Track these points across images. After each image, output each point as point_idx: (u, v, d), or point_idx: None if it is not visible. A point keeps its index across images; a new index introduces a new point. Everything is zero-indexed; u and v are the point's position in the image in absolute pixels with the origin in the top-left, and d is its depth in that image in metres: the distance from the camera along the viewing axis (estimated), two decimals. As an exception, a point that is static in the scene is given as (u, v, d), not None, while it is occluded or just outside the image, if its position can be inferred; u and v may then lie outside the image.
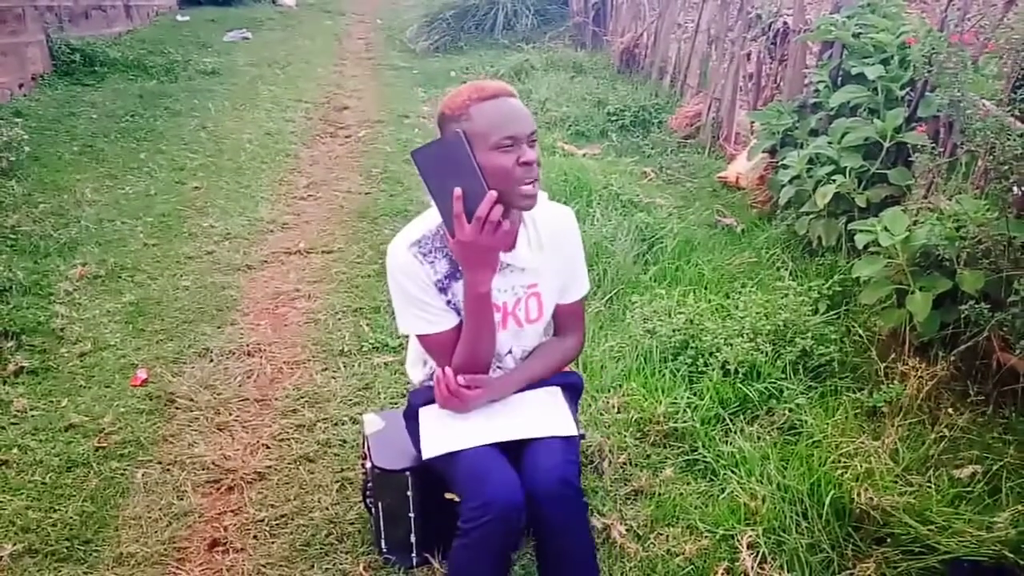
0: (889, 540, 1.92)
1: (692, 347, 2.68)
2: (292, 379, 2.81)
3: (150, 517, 2.15)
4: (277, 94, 6.90)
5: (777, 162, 3.84)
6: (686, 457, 2.33)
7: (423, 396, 1.80)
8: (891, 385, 2.41)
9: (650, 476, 2.25)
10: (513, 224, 1.62)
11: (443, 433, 1.68)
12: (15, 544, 2.04)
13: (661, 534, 2.05)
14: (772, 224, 3.74)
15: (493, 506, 1.50)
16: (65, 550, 2.03)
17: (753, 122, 4.50)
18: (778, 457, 2.21)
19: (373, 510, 2.01)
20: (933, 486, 2.04)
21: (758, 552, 1.95)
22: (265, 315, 3.27)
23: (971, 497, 2.00)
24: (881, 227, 2.49)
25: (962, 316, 2.27)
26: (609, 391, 2.59)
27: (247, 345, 3.01)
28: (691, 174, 4.74)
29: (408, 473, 1.89)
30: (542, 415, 1.72)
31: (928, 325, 2.41)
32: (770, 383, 2.53)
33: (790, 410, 2.43)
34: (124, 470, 2.33)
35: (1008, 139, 2.27)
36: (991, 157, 2.39)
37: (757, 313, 2.76)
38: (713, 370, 2.57)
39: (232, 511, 2.19)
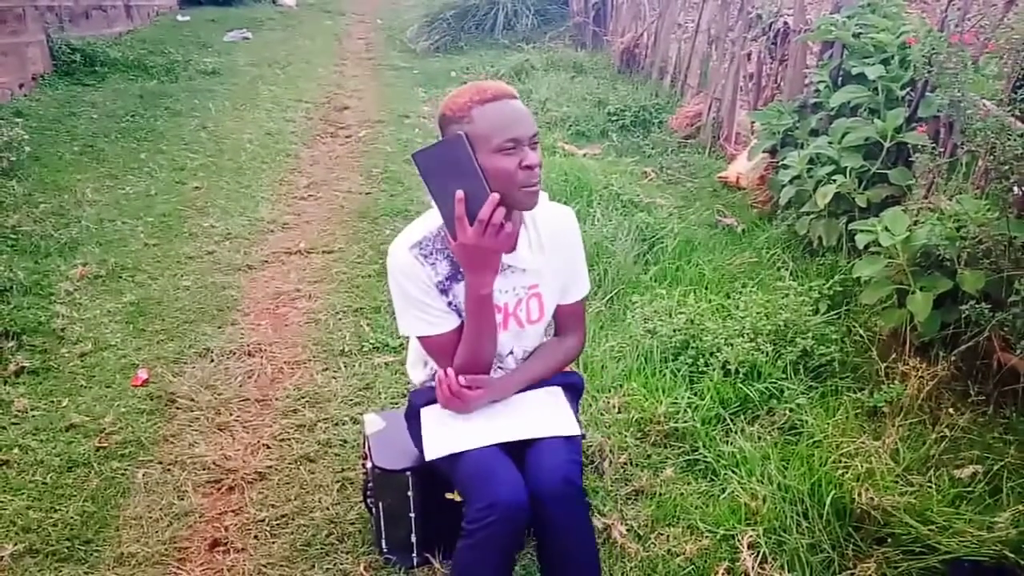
0: (890, 540, 1.92)
1: (693, 347, 2.68)
2: (293, 379, 2.81)
3: (151, 517, 2.16)
4: (277, 94, 6.90)
5: (777, 162, 3.85)
6: (687, 457, 2.33)
7: (424, 396, 1.80)
8: (892, 385, 2.41)
9: (651, 476, 2.25)
10: (514, 225, 1.62)
11: (446, 434, 1.68)
12: (16, 544, 2.04)
13: (662, 534, 2.05)
14: (773, 224, 3.74)
15: (498, 507, 1.50)
16: (66, 550, 2.04)
17: (753, 122, 4.50)
18: (779, 457, 2.21)
19: (374, 510, 2.01)
20: (934, 486, 2.04)
21: (759, 552, 1.95)
22: (266, 315, 3.27)
23: (972, 497, 2.00)
24: (882, 227, 2.50)
25: (963, 316, 2.27)
26: (610, 391, 2.59)
27: (248, 345, 3.01)
28: (691, 174, 4.74)
29: (409, 473, 1.90)
30: (544, 415, 1.72)
31: (929, 325, 2.41)
32: (771, 383, 2.53)
33: (791, 410, 2.43)
34: (125, 470, 2.33)
35: (1008, 139, 2.27)
36: (991, 157, 2.40)
37: (758, 313, 2.76)
38: (714, 370, 2.57)
39: (233, 511, 2.19)
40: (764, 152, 4.05)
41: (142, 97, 6.34)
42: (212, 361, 2.91)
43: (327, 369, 2.87)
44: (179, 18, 10.03)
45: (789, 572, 1.91)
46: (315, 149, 5.58)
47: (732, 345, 2.60)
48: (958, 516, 1.91)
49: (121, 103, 6.12)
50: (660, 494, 2.18)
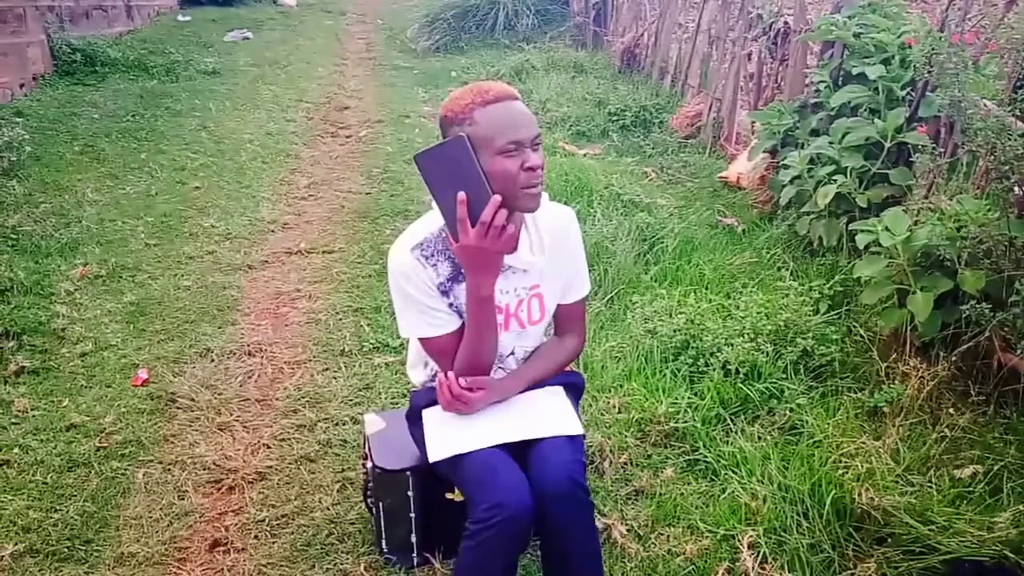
0: (890, 540, 1.92)
1: (693, 347, 2.68)
2: (293, 379, 2.81)
3: (151, 517, 2.16)
4: (278, 94, 6.90)
5: (778, 162, 3.84)
6: (687, 457, 2.33)
7: (425, 397, 1.80)
8: (892, 385, 2.41)
9: (651, 476, 2.25)
10: (515, 226, 1.62)
11: (449, 435, 1.68)
12: (16, 544, 2.04)
13: (662, 534, 2.05)
14: (773, 224, 3.74)
15: (504, 508, 1.50)
16: (66, 550, 2.04)
17: (754, 122, 4.50)
18: (779, 457, 2.21)
19: (374, 510, 2.01)
20: (934, 486, 2.04)
21: (759, 552, 1.95)
22: (266, 315, 3.27)
23: (972, 497, 2.00)
24: (882, 227, 2.49)
25: (963, 316, 2.27)
26: (610, 391, 2.59)
27: (248, 345, 3.01)
28: (692, 174, 4.74)
29: (409, 473, 1.90)
30: (547, 414, 1.72)
31: (929, 325, 2.41)
32: (771, 383, 2.53)
33: (791, 410, 2.43)
34: (125, 470, 2.33)
35: (1009, 139, 2.27)
36: (992, 157, 2.40)
37: (758, 313, 2.76)
38: (714, 370, 2.57)
39: (233, 511, 2.19)
40: (764, 152, 4.05)
41: (143, 97, 6.34)
42: (212, 361, 2.91)
43: (327, 369, 2.87)
44: (180, 18, 10.03)
45: (789, 572, 1.91)
46: (315, 149, 5.58)
47: (732, 345, 2.60)
48: (958, 516, 1.91)
49: (122, 103, 6.12)
50: (660, 494, 2.18)
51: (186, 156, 5.14)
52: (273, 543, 2.07)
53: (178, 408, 2.63)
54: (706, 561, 1.96)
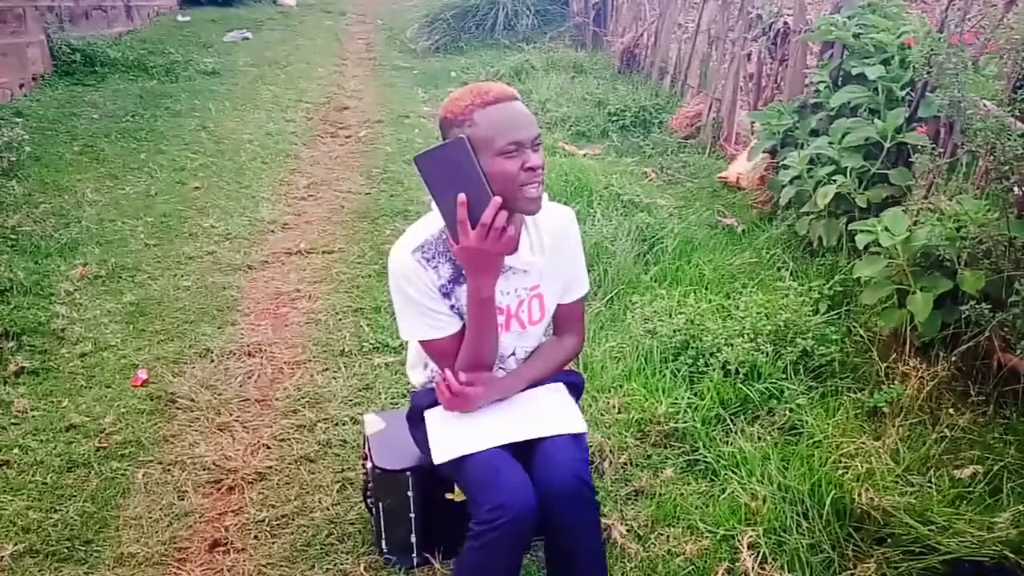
0: (890, 540, 1.92)
1: (693, 347, 2.68)
2: (293, 379, 2.81)
3: (151, 517, 2.16)
4: (278, 94, 6.90)
5: (778, 162, 3.84)
6: (687, 457, 2.33)
7: (426, 398, 1.80)
8: (892, 385, 2.41)
9: (651, 476, 2.25)
10: (516, 227, 1.62)
11: (453, 436, 1.67)
12: (16, 544, 2.04)
13: (662, 534, 2.05)
14: (773, 224, 3.74)
15: (508, 509, 1.49)
16: (66, 550, 2.04)
17: (753, 122, 4.50)
18: (779, 457, 2.21)
19: (374, 510, 2.01)
20: (934, 486, 2.04)
21: (759, 552, 1.95)
22: (266, 315, 3.27)
23: (972, 497, 2.00)
24: (882, 227, 2.49)
25: (963, 316, 2.27)
26: (610, 391, 2.59)
27: (248, 345, 3.01)
28: (692, 174, 4.74)
29: (409, 473, 1.90)
30: (550, 413, 1.72)
31: (929, 325, 2.41)
32: (771, 383, 2.53)
33: (791, 410, 2.43)
34: (125, 470, 2.33)
35: (1008, 139, 2.27)
36: (992, 157, 2.40)
37: (758, 313, 2.76)
38: (714, 370, 2.57)
39: (233, 511, 2.19)
40: (764, 152, 4.05)
41: (142, 97, 6.34)
42: (212, 361, 2.91)
43: (327, 369, 2.87)
44: (179, 18, 10.03)
45: (789, 572, 1.91)
46: (315, 149, 5.58)
47: (732, 345, 2.60)
48: (958, 516, 1.91)
49: (121, 103, 6.12)
50: (660, 494, 2.18)
51: (186, 156, 5.14)
52: (273, 543, 2.07)
53: (178, 408, 2.63)
54: (706, 561, 1.96)
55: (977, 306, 2.21)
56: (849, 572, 1.90)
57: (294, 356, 2.96)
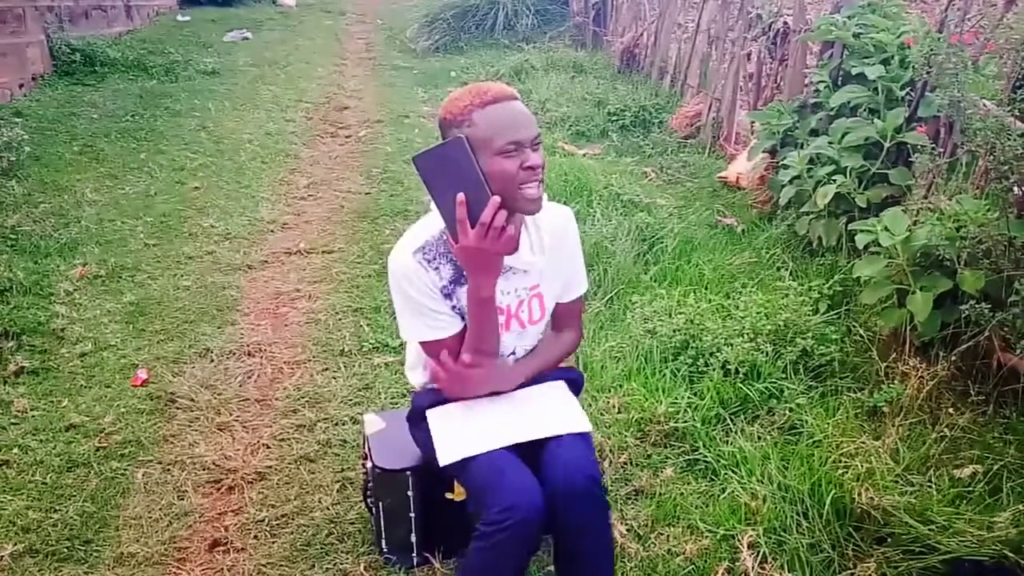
0: (890, 540, 1.92)
1: (692, 347, 2.68)
2: (292, 379, 2.81)
3: (151, 517, 2.16)
4: (277, 94, 6.90)
5: (777, 162, 3.85)
6: (686, 457, 2.33)
7: (428, 399, 1.79)
8: (892, 385, 2.41)
9: (650, 476, 2.25)
10: (516, 227, 1.62)
11: (458, 437, 1.66)
12: (16, 544, 2.04)
13: (662, 534, 2.05)
14: (772, 224, 3.74)
15: (517, 510, 1.49)
16: (65, 550, 2.04)
17: (753, 122, 4.50)
18: (779, 457, 2.21)
19: (374, 510, 2.01)
20: (934, 486, 2.04)
21: (759, 552, 1.95)
22: (265, 315, 3.27)
23: (972, 497, 2.00)
24: (881, 227, 2.49)
25: (963, 316, 2.27)
26: (609, 391, 2.59)
27: (247, 345, 3.01)
28: (691, 174, 4.74)
29: (409, 473, 1.90)
30: (554, 413, 1.71)
31: (929, 325, 2.41)
32: (771, 383, 2.53)
33: (791, 410, 2.43)
34: (125, 470, 2.33)
35: (1008, 139, 2.27)
36: (991, 157, 2.40)
37: (757, 313, 2.76)
38: (713, 370, 2.57)
39: (233, 511, 2.19)
40: (764, 152, 4.05)
41: (142, 97, 6.34)
42: (212, 361, 2.90)
43: (327, 369, 2.87)
44: (179, 18, 10.03)
45: (789, 572, 1.91)
46: (315, 149, 5.58)
47: (732, 345, 2.60)
48: (958, 516, 1.91)
49: (121, 103, 6.12)
50: (660, 494, 2.18)
51: (185, 156, 5.14)
52: (273, 543, 2.07)
53: (177, 408, 2.63)
54: (706, 561, 1.96)
55: (977, 306, 2.21)
56: (849, 572, 1.90)
57: (294, 356, 2.96)
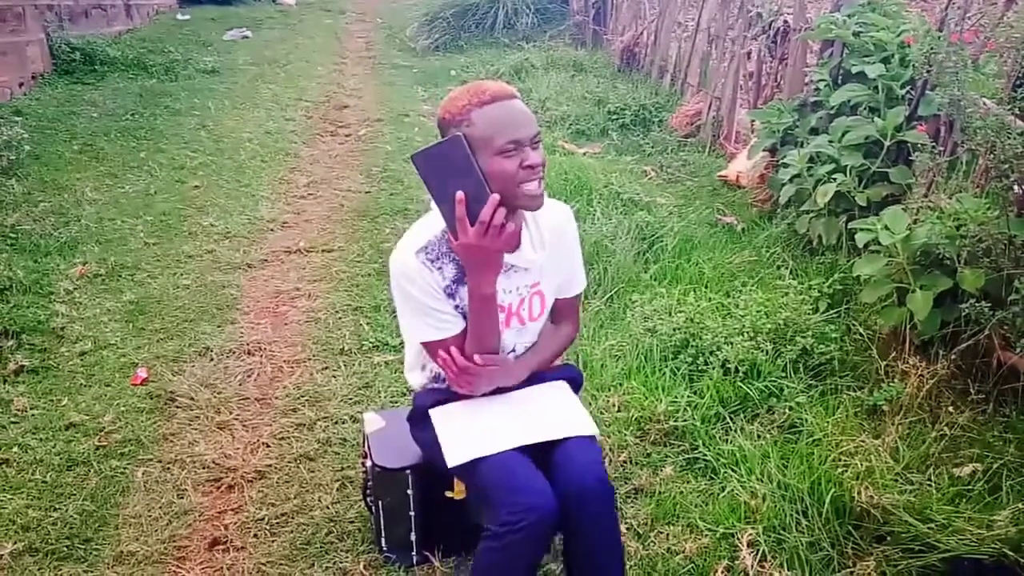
0: (889, 538, 1.92)
1: (692, 346, 2.68)
2: (292, 378, 2.81)
3: (150, 516, 2.16)
4: (277, 93, 6.90)
5: (777, 161, 3.84)
6: (686, 455, 2.33)
7: (429, 398, 1.79)
8: (891, 384, 2.41)
9: (650, 475, 2.25)
10: (516, 225, 1.62)
11: (465, 438, 1.66)
12: (15, 543, 2.04)
13: (661, 532, 2.05)
14: (772, 223, 3.74)
15: (532, 511, 1.50)
16: (65, 549, 2.04)
17: (753, 121, 4.50)
18: (778, 455, 2.21)
19: (373, 509, 2.01)
20: (933, 484, 2.04)
21: (758, 550, 1.95)
22: (265, 314, 3.27)
23: (971, 495, 2.00)
24: (881, 226, 2.49)
25: (963, 315, 2.27)
26: (609, 390, 2.59)
27: (247, 344, 3.01)
28: (691, 173, 4.74)
29: (408, 472, 1.90)
30: (561, 415, 1.72)
31: (928, 324, 2.41)
32: (770, 382, 2.53)
33: (790, 408, 2.43)
34: (124, 469, 2.33)
35: (1008, 138, 2.27)
36: (991, 156, 2.39)
37: (757, 312, 2.76)
38: (713, 368, 2.57)
39: (232, 510, 2.19)
40: (764, 151, 4.05)
41: (142, 96, 6.34)
42: (212, 360, 2.90)
43: (327, 368, 2.87)
44: (179, 17, 10.03)
45: (789, 570, 1.91)
46: (315, 148, 5.58)
47: (732, 344, 2.60)
48: (958, 514, 1.91)
49: (121, 102, 6.12)
50: (660, 492, 2.18)
51: (185, 155, 5.14)
52: (272, 542, 2.07)
53: (177, 407, 2.63)
54: (705, 559, 1.96)
55: (977, 304, 2.21)
56: (848, 570, 1.90)
57: (294, 355, 2.96)
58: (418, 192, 4.44)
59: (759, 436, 2.36)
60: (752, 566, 1.91)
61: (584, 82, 6.56)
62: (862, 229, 2.59)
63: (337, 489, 2.25)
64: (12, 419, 2.54)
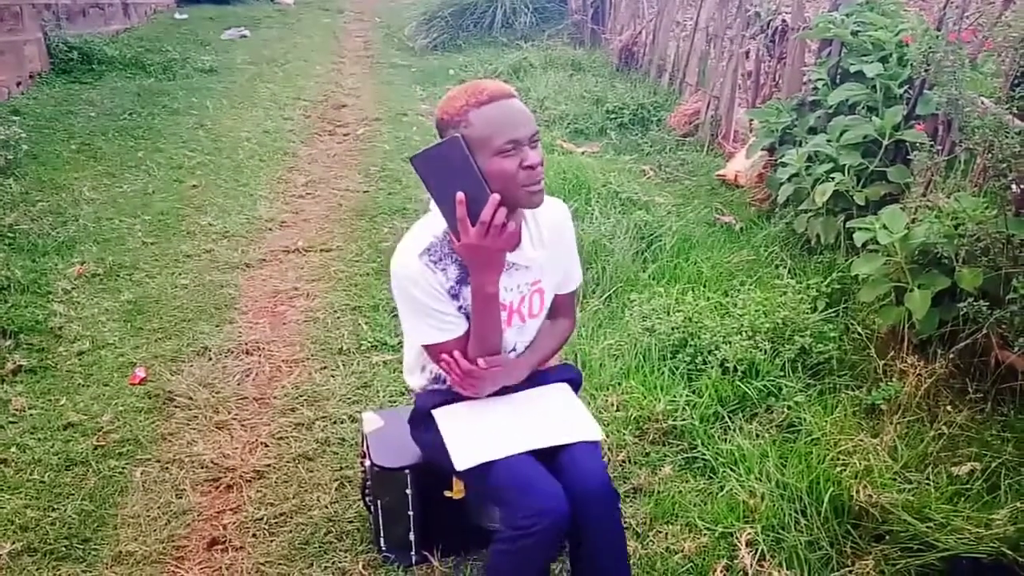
0: (888, 537, 1.92)
1: (691, 345, 2.68)
2: (291, 377, 2.81)
3: (149, 516, 2.15)
4: (275, 92, 6.89)
5: (776, 160, 3.85)
6: (685, 455, 2.33)
7: (431, 399, 1.79)
8: (890, 383, 2.41)
9: (649, 474, 2.25)
10: (516, 223, 1.62)
11: (473, 442, 1.66)
12: (14, 543, 2.03)
13: (660, 532, 2.05)
14: (771, 222, 3.74)
15: (546, 515, 1.50)
16: (64, 549, 2.03)
17: (752, 120, 4.50)
18: (777, 455, 2.21)
19: (372, 508, 2.01)
20: (932, 483, 2.04)
21: (757, 550, 1.96)
22: (264, 313, 3.27)
23: (970, 494, 2.00)
24: (880, 225, 2.50)
25: (961, 314, 2.27)
26: (608, 389, 2.59)
27: (246, 343, 3.00)
28: (690, 172, 4.74)
29: (407, 471, 1.89)
30: (567, 420, 1.72)
31: (927, 323, 2.41)
32: (769, 381, 2.53)
33: (789, 408, 2.43)
34: (123, 469, 2.33)
35: (1006, 137, 2.27)
36: (989, 155, 2.40)
37: (756, 311, 2.76)
38: (712, 368, 2.57)
39: (231, 509, 2.19)
40: (762, 150, 4.05)
41: (140, 95, 6.33)
42: (210, 359, 2.90)
43: (325, 367, 2.86)
44: (177, 16, 10.02)
45: (787, 569, 1.91)
46: (313, 147, 5.57)
47: (730, 343, 2.60)
48: (956, 513, 1.91)
49: (119, 101, 6.11)
50: (658, 492, 2.18)
51: (183, 154, 5.13)
52: (271, 541, 2.07)
53: (176, 407, 2.63)
54: (704, 559, 1.96)
55: (975, 303, 2.21)
56: (847, 569, 1.90)
57: (292, 354, 2.95)
58: (416, 191, 4.44)
59: (758, 435, 2.36)
60: (751, 565, 1.92)
61: (582, 81, 6.56)
62: (860, 228, 2.60)
63: (336, 489, 2.25)
64: (10, 419, 2.54)
